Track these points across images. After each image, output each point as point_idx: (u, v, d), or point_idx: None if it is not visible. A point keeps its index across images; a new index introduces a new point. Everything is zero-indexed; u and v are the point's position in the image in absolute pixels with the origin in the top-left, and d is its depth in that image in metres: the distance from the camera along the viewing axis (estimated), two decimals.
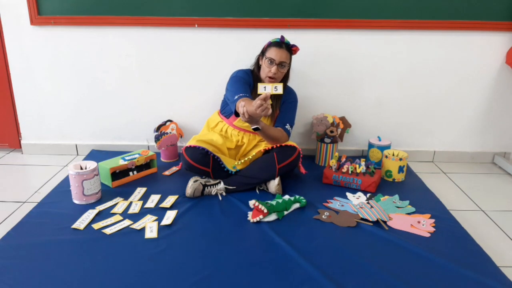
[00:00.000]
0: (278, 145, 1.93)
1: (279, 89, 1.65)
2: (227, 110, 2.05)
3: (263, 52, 1.97)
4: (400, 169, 2.10)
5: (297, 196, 1.82)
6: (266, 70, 1.92)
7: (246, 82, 1.94)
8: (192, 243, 1.52)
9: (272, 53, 1.90)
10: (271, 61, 1.89)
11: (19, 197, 1.91)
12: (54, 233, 1.56)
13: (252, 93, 1.94)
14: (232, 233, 1.59)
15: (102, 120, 2.43)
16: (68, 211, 1.72)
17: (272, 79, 1.92)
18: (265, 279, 1.33)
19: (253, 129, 1.78)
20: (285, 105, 2.04)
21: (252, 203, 1.68)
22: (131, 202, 1.82)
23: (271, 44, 1.93)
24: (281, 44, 1.91)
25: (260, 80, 1.96)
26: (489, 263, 1.44)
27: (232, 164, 1.95)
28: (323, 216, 1.72)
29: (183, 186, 1.92)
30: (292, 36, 2.14)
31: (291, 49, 1.95)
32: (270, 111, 1.63)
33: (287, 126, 1.99)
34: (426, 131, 2.47)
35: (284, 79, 2.02)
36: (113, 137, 2.48)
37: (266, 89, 1.65)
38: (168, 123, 2.35)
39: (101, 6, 2.15)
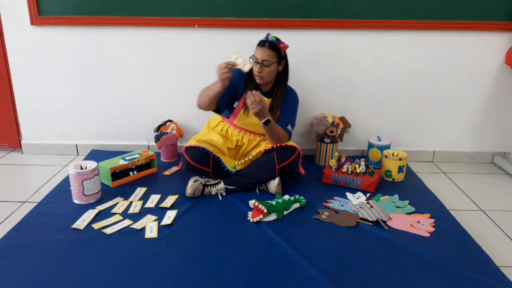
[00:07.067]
0: (278, 145, 1.93)
1: (246, 66, 1.81)
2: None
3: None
4: (400, 169, 2.11)
5: (297, 196, 1.83)
6: (254, 69, 1.92)
7: (231, 85, 1.91)
8: (192, 243, 1.52)
9: (256, 52, 1.91)
10: (255, 60, 1.90)
11: (19, 197, 1.92)
12: (54, 233, 1.56)
13: (245, 90, 1.97)
14: (232, 233, 1.59)
15: (102, 120, 2.43)
16: (68, 211, 1.72)
17: (259, 78, 1.92)
18: (265, 279, 1.33)
19: (263, 122, 1.81)
20: (286, 106, 2.03)
21: (252, 203, 1.69)
22: (131, 202, 1.82)
23: (257, 44, 1.94)
24: (264, 43, 1.90)
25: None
26: (488, 263, 1.44)
27: (232, 164, 1.95)
28: (323, 216, 1.73)
29: (183, 186, 1.93)
30: (292, 36, 2.14)
31: (276, 47, 1.92)
32: (227, 81, 1.79)
33: (288, 127, 1.99)
34: (426, 131, 2.47)
35: (283, 79, 2.01)
36: (113, 137, 2.48)
37: (237, 60, 1.82)
38: (168, 123, 2.35)
39: (101, 6, 2.15)
